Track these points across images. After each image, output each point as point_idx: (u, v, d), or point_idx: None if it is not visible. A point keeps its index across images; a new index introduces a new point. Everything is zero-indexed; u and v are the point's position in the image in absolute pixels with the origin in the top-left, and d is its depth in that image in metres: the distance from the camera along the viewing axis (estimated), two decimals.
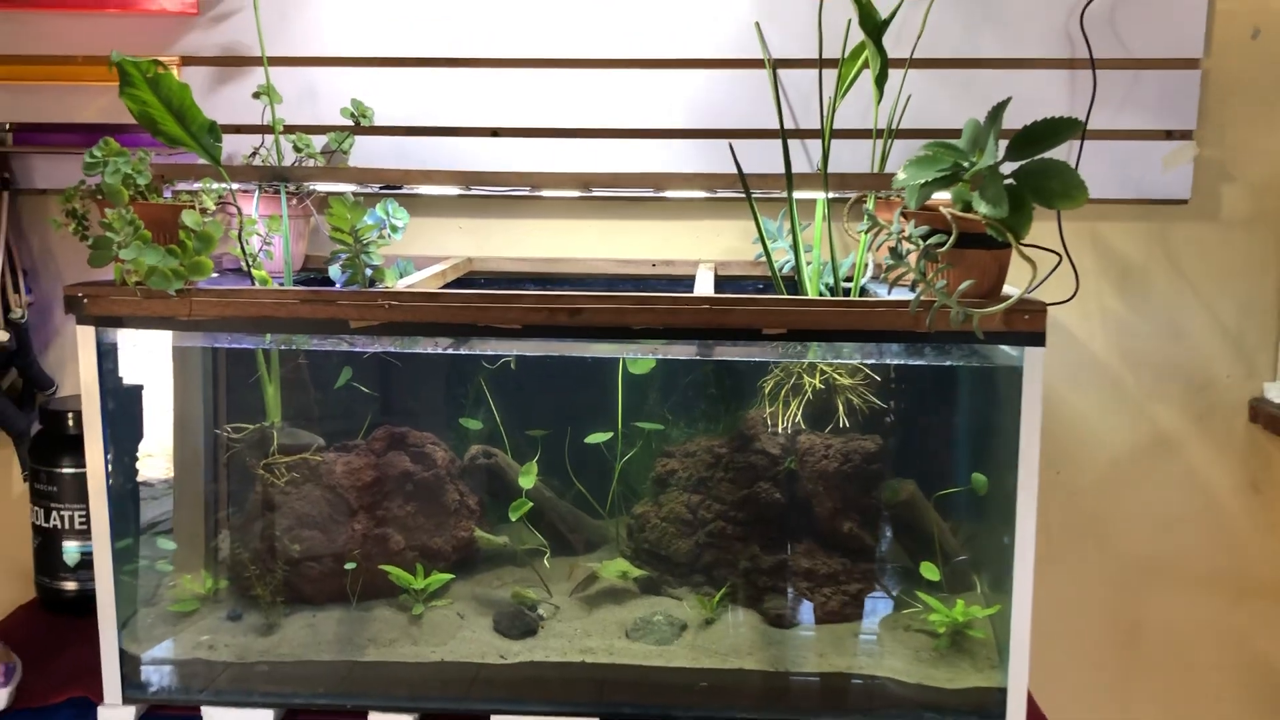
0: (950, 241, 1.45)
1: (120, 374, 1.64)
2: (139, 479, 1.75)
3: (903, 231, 1.49)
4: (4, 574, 2.22)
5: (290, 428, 1.79)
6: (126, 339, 1.60)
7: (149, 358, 1.74)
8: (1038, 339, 1.48)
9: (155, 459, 1.81)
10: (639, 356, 1.76)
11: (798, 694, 1.63)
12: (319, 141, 1.97)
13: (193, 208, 1.56)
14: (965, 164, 1.46)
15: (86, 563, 2.00)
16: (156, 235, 1.53)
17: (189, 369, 1.84)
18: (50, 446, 2.02)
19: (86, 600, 1.96)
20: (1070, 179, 1.45)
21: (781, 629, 1.69)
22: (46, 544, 2.02)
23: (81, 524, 1.99)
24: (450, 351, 1.69)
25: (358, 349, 1.69)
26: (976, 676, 1.61)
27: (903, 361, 1.63)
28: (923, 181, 1.47)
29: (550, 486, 1.86)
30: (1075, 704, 2.13)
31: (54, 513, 2.00)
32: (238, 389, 1.80)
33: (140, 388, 1.75)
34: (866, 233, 1.60)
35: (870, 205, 1.75)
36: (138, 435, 1.75)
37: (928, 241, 1.47)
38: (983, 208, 1.42)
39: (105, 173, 1.53)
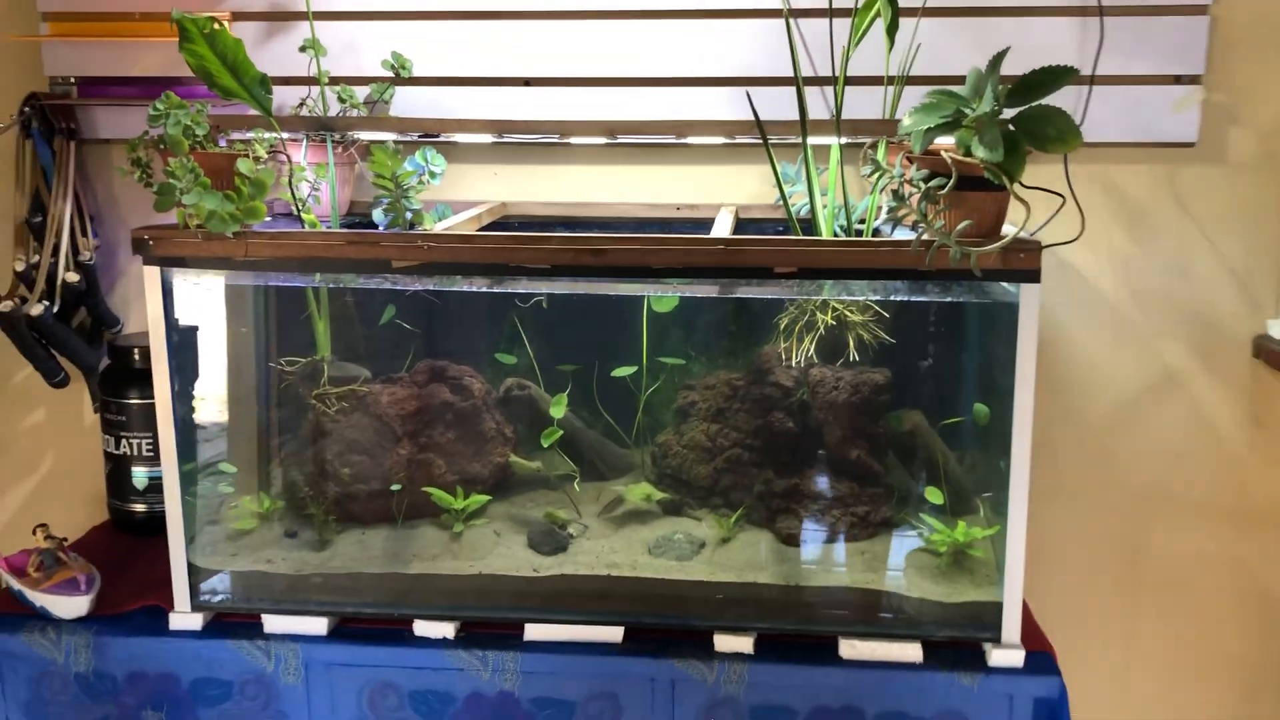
0: (950, 184, 1.54)
1: (181, 312, 1.76)
2: (200, 409, 1.87)
3: (905, 175, 1.58)
4: (80, 498, 2.39)
5: (339, 361, 1.88)
6: (187, 278, 1.70)
7: (207, 296, 1.86)
8: (1033, 276, 1.54)
9: (215, 391, 1.93)
10: (663, 294, 1.84)
11: (808, 606, 1.72)
12: (361, 93, 2.08)
13: (247, 156, 1.68)
14: (967, 110, 1.55)
15: (154, 486, 2.14)
16: (214, 182, 1.65)
17: (244, 308, 1.95)
18: (118, 379, 2.16)
19: (154, 521, 2.12)
20: (1065, 124, 1.53)
21: (793, 547, 1.77)
22: (117, 469, 2.16)
23: (149, 451, 2.13)
24: (485, 289, 1.78)
25: (400, 288, 1.76)
26: (975, 591, 1.68)
27: (908, 298, 1.69)
28: (926, 127, 1.55)
29: (580, 417, 1.93)
30: (1081, 626, 2.20)
31: (123, 440, 2.14)
32: (289, 326, 1.89)
33: (198, 327, 1.87)
34: (870, 175, 1.69)
35: (882, 150, 1.83)
36: (198, 369, 1.86)
37: (928, 184, 1.56)
38: (980, 151, 1.51)
39: (167, 124, 1.65)
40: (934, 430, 1.83)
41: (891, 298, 1.75)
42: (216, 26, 1.64)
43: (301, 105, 2.05)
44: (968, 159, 1.53)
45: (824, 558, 1.77)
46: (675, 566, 1.73)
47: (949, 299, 1.69)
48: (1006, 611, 1.64)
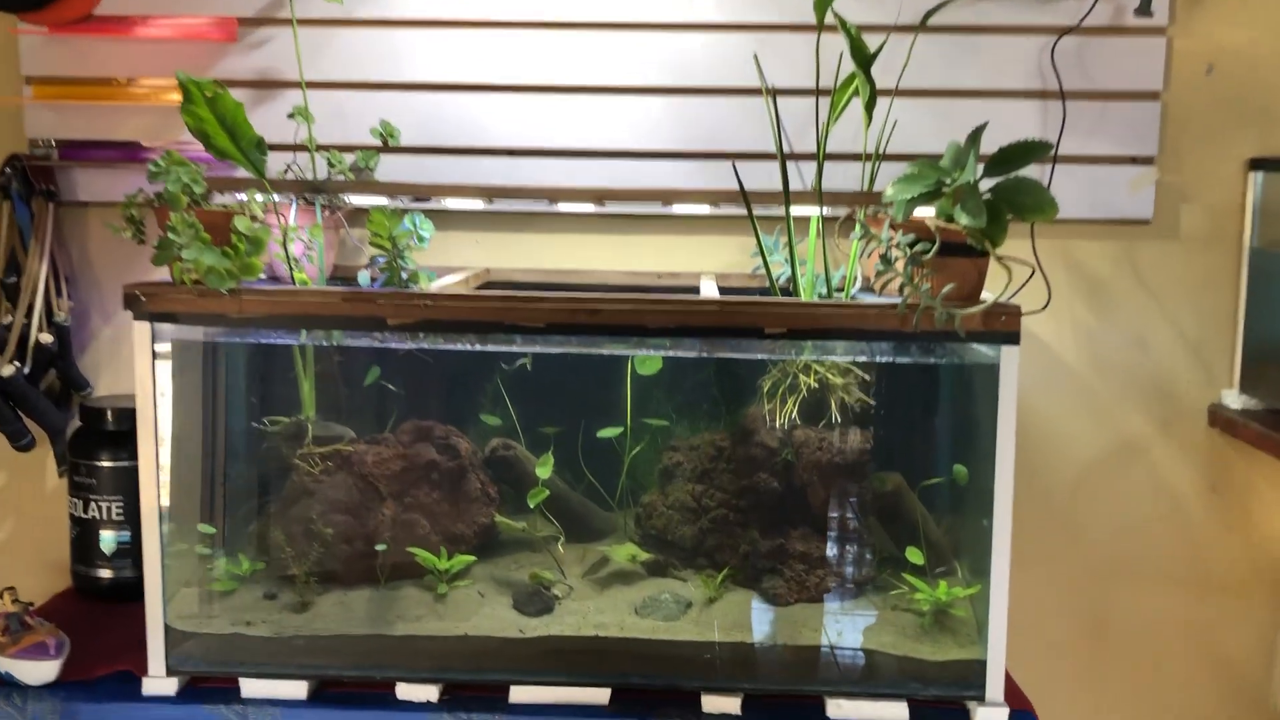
0: (934, 249, 1.61)
1: (164, 371, 1.73)
2: (179, 469, 1.84)
3: (892, 240, 1.65)
4: (42, 564, 2.31)
5: (323, 421, 1.89)
6: (177, 336, 1.69)
7: (191, 355, 1.85)
8: (1013, 338, 1.61)
9: (194, 451, 1.91)
10: (648, 354, 1.85)
11: (794, 665, 1.72)
12: (348, 159, 2.11)
13: (244, 214, 1.69)
14: (947, 180, 1.62)
15: (122, 551, 2.09)
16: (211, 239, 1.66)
17: (227, 368, 1.93)
18: (90, 441, 2.12)
19: (121, 587, 2.07)
20: (1041, 195, 1.62)
21: (779, 606, 1.77)
22: (84, 534, 2.11)
23: (119, 514, 2.08)
24: (473, 348, 1.78)
25: (390, 345, 1.75)
26: (958, 650, 1.70)
27: (891, 359, 1.72)
28: (909, 196, 1.62)
29: (564, 479, 1.92)
30: (1049, 693, 2.10)
31: (92, 503, 2.09)
32: (274, 386, 1.88)
33: (182, 385, 1.83)
34: (860, 239, 1.75)
35: (860, 221, 1.90)
36: (180, 428, 1.83)
37: (914, 248, 1.62)
38: (964, 219, 1.57)
39: (168, 180, 1.66)
40: (913, 491, 1.85)
41: (876, 359, 1.80)
42: (219, 90, 1.66)
43: (287, 170, 2.07)
44: (951, 225, 1.59)
45: (809, 617, 1.76)
46: (662, 627, 1.72)
47: (931, 360, 1.73)
48: (990, 669, 1.65)
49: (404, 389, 1.91)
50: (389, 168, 2.17)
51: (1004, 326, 1.60)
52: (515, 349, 1.82)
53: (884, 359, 1.73)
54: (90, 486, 2.09)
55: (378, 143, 2.13)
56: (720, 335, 1.64)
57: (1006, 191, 1.61)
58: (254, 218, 1.70)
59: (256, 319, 1.64)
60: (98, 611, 1.99)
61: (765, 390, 1.86)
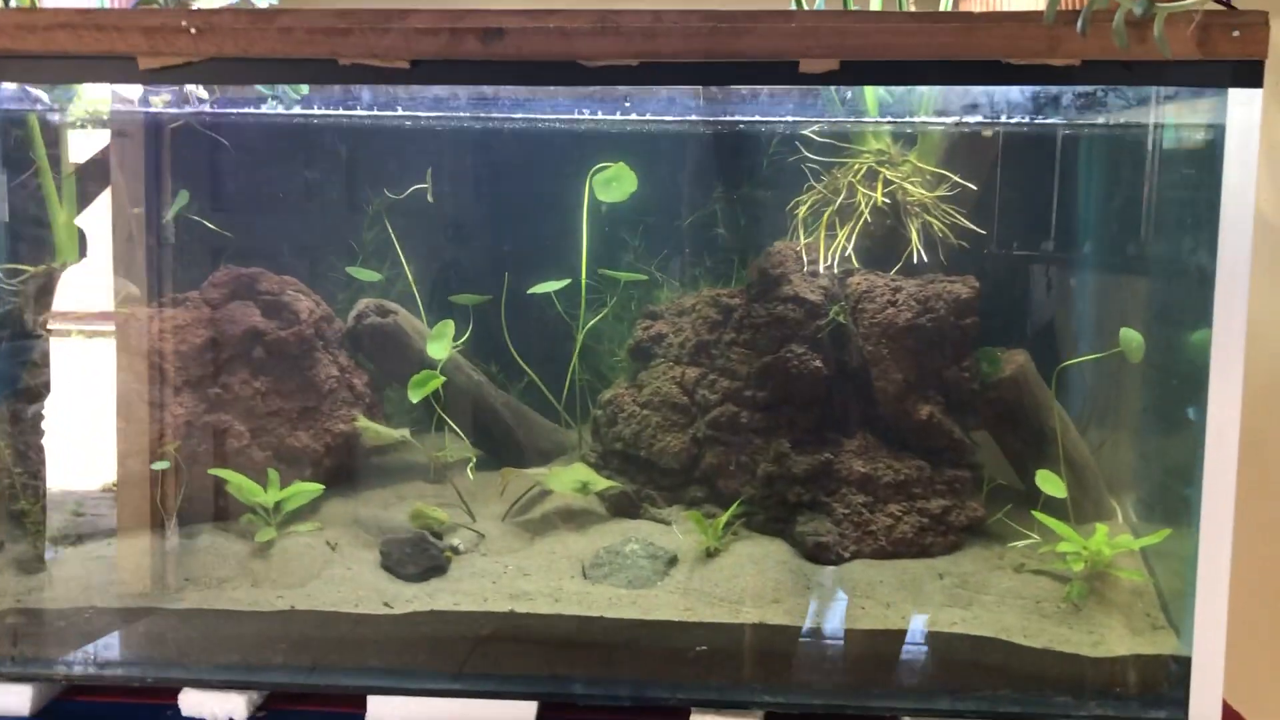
0: None
1: None
2: None
3: None
4: None
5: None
6: None
7: None
8: (1251, 73, 1.05)
9: None
10: (609, 166, 1.37)
11: (849, 664, 1.25)
12: None
13: None
14: None
15: None
16: None
17: None
18: None
19: None
20: None
21: (824, 564, 1.32)
22: None
23: None
24: (307, 124, 1.33)
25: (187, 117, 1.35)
26: (1133, 639, 1.21)
27: (1017, 125, 1.25)
28: None
29: (478, 362, 1.51)
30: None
31: None
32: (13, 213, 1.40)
33: None
34: None
35: None
36: None
37: None
38: None
39: None
40: (1046, 381, 1.38)
41: (986, 132, 1.28)
42: None
43: None
44: None
45: (875, 583, 1.29)
46: (626, 598, 1.26)
47: (1093, 126, 1.25)
48: (1198, 672, 1.15)
49: (230, 228, 1.46)
50: None
51: (1237, 50, 1.04)
52: (364, 117, 1.35)
53: (1011, 125, 1.26)
54: None
55: None
56: (716, 79, 1.18)
57: None
58: None
59: None
60: None
61: (802, 216, 1.36)
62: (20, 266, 1.37)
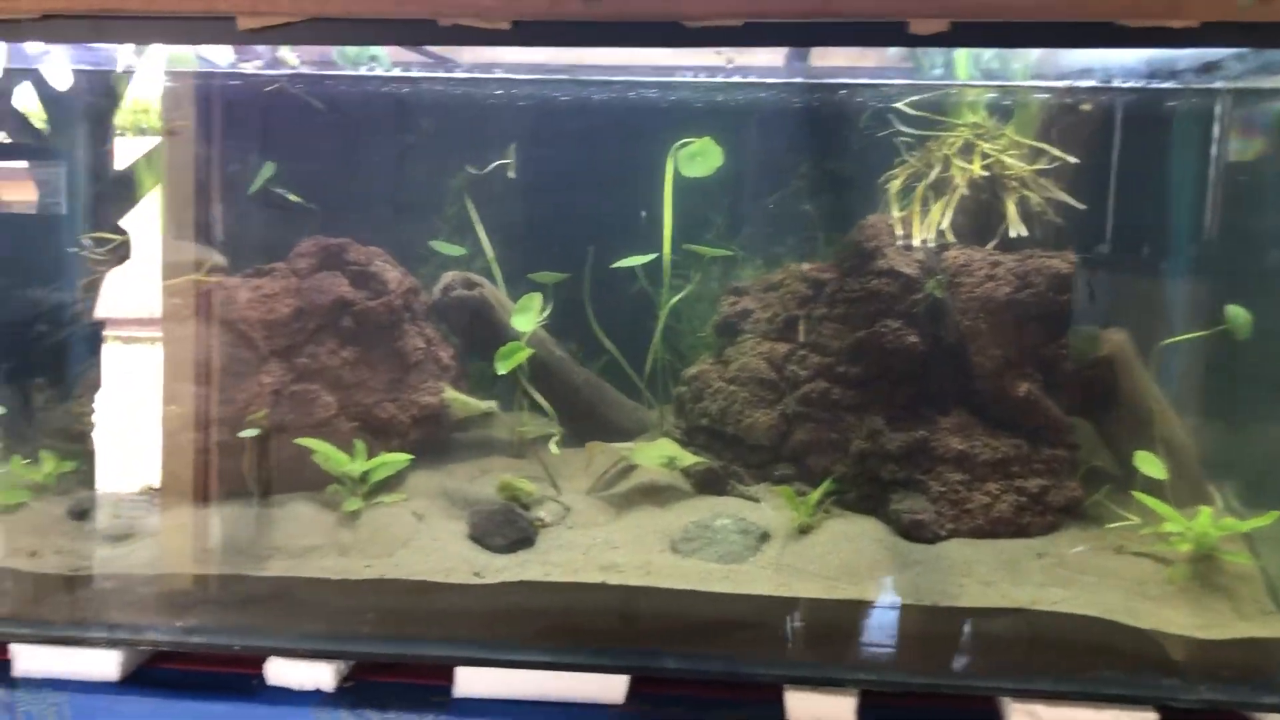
0: None
1: None
2: None
3: None
4: None
5: (177, 239, 1.38)
6: None
7: None
8: None
9: None
10: (693, 141, 1.34)
11: (947, 642, 1.20)
12: None
13: None
14: None
15: None
16: None
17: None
18: None
19: None
20: None
21: (921, 541, 1.28)
22: None
23: None
24: (401, 93, 1.32)
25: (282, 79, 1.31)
26: (1242, 624, 1.16)
27: (1125, 92, 1.24)
28: None
29: (562, 339, 1.48)
30: None
31: None
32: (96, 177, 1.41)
33: None
34: None
35: None
36: None
37: None
38: None
39: None
40: (1143, 359, 1.35)
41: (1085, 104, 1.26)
42: None
43: None
44: None
45: (974, 561, 1.25)
46: (718, 572, 1.22)
47: (1217, 85, 1.21)
48: None
49: (315, 200, 1.44)
50: None
51: None
52: (467, 86, 1.34)
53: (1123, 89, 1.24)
54: None
55: None
56: (818, 38, 1.11)
57: None
58: None
59: (22, 23, 1.09)
60: None
61: (895, 189, 1.32)
62: (106, 235, 1.36)
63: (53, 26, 1.14)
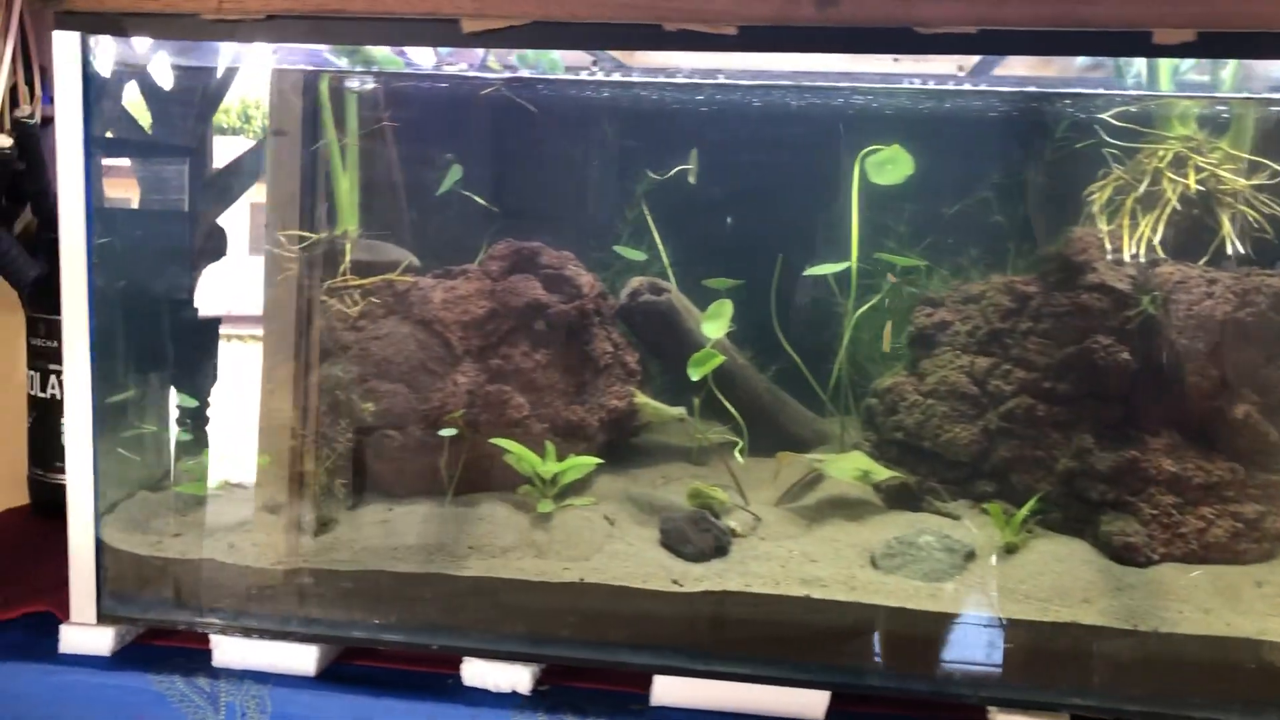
0: None
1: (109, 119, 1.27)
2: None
3: None
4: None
5: (370, 239, 1.39)
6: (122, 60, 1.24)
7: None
8: None
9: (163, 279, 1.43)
10: (882, 148, 1.32)
11: (1169, 671, 1.14)
12: None
13: None
14: None
15: None
16: None
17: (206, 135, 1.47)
18: (55, 289, 1.50)
19: None
20: None
21: (1132, 564, 1.22)
22: (42, 421, 1.58)
23: None
24: (598, 98, 1.30)
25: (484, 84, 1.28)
26: None
27: None
28: None
29: (746, 348, 1.47)
30: None
31: (51, 378, 1.55)
32: (296, 179, 1.37)
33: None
34: None
35: None
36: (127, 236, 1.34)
37: None
38: None
39: None
40: None
41: None
42: None
43: None
44: None
45: (1188, 586, 1.19)
46: (924, 591, 1.18)
47: None
48: None
49: (499, 202, 1.44)
50: None
51: None
52: (675, 86, 1.29)
53: None
54: (50, 352, 1.52)
55: None
56: (1056, 47, 1.08)
57: None
58: None
59: (249, 25, 1.10)
60: (50, 533, 1.44)
61: (1101, 201, 1.28)
62: (305, 234, 1.36)
63: (275, 27, 1.14)
